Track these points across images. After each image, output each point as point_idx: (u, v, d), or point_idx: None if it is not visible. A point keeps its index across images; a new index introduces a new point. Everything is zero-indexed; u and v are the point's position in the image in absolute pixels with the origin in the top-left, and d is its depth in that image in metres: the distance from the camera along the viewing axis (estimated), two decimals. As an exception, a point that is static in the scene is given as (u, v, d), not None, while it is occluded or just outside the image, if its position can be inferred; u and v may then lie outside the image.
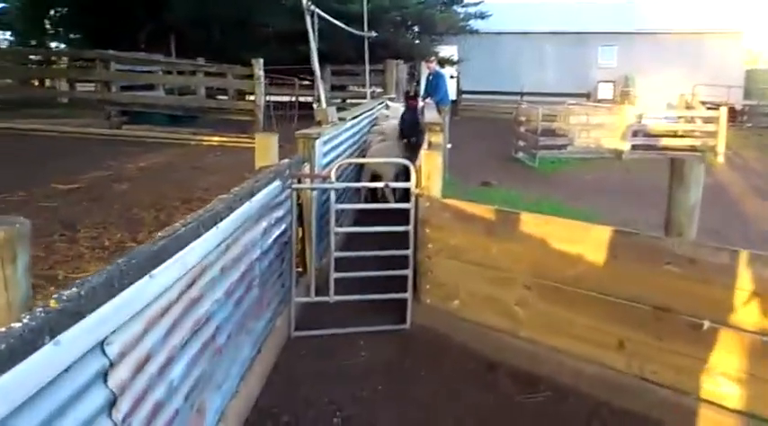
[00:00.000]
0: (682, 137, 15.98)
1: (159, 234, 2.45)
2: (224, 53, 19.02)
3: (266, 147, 4.66)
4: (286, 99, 17.71)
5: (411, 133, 8.28)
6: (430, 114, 9.53)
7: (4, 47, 27.56)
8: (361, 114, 8.48)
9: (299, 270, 4.95)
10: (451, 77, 24.55)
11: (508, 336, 4.18)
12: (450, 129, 13.13)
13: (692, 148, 15.02)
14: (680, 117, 17.53)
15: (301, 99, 17.42)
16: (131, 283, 2.04)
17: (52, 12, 25.17)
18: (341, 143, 6.72)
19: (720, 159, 15.07)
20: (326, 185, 4.85)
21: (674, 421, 3.48)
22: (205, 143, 12.72)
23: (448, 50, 27.09)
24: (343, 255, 4.87)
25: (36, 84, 20.77)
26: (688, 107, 18.57)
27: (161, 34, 21.91)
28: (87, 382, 1.78)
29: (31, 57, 21.05)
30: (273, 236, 4.15)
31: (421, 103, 10.37)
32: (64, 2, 24.42)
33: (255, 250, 3.70)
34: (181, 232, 2.52)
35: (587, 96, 25.61)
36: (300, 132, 5.37)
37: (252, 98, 14.61)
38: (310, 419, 3.47)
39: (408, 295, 4.68)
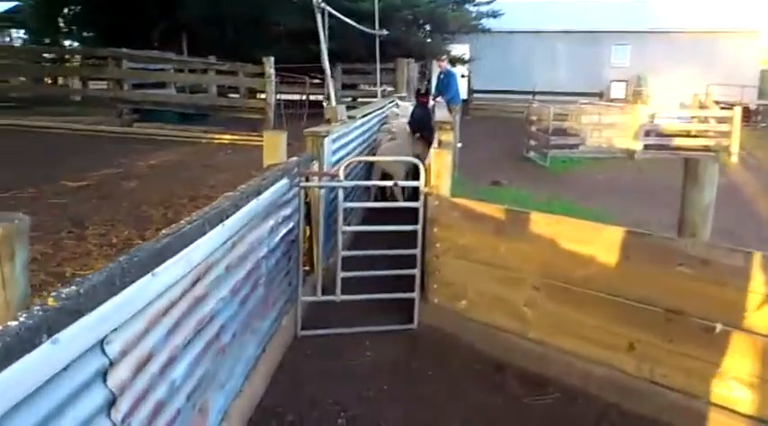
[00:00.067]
0: (695, 136, 15.84)
1: (163, 231, 2.43)
2: (236, 51, 19.03)
3: (274, 145, 4.63)
4: (297, 97, 17.70)
5: (420, 128, 8.26)
6: (440, 113, 9.48)
7: (18, 45, 27.71)
8: (370, 113, 8.44)
9: (306, 268, 4.92)
10: (463, 76, 24.47)
11: (516, 337, 4.14)
12: (461, 129, 13.08)
13: (706, 148, 14.88)
14: (693, 117, 17.38)
15: (312, 97, 17.42)
16: (133, 281, 2.02)
17: (66, 10, 25.23)
18: (350, 141, 6.69)
19: (734, 159, 14.93)
20: (335, 183, 4.82)
21: (684, 425, 3.43)
22: (216, 141, 12.73)
23: (459, 49, 26.98)
24: (350, 254, 4.84)
25: (49, 82, 20.86)
26: (701, 107, 18.41)
27: (173, 32, 21.95)
28: (86, 381, 1.76)
29: (45, 55, 21.13)
30: (280, 235, 4.12)
31: (431, 102, 10.32)
32: (77, 0, 24.50)
33: (262, 248, 3.68)
34: (185, 229, 2.50)
35: (600, 95, 25.46)
36: (309, 130, 5.34)
37: (263, 96, 14.61)
38: (315, 419, 3.44)
39: (416, 294, 4.64)
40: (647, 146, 15.19)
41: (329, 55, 7.67)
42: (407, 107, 10.05)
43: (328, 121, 6.28)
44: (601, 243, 3.73)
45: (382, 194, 7.90)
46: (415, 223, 4.64)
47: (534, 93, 24.13)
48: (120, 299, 1.92)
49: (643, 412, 3.55)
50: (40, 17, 25.45)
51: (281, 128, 10.91)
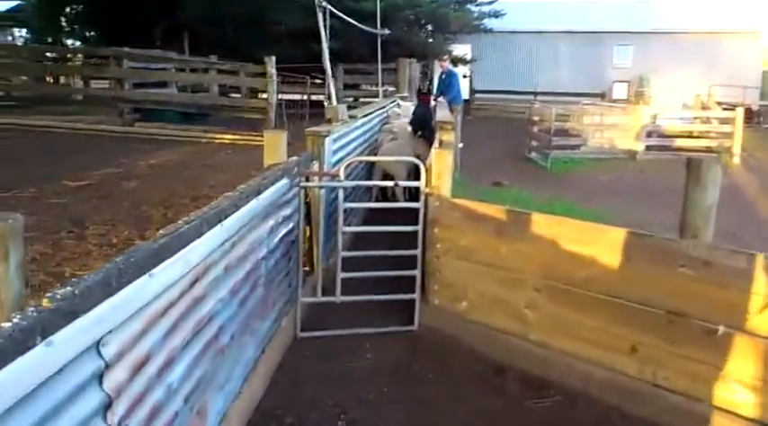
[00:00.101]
0: (697, 137, 15.79)
1: (161, 231, 2.41)
2: (237, 51, 19.02)
3: (275, 145, 4.61)
4: (298, 97, 17.68)
5: (422, 127, 8.25)
6: (442, 113, 9.45)
7: (20, 44, 27.72)
8: (372, 112, 8.42)
9: (306, 269, 4.90)
10: (464, 76, 24.43)
11: (517, 339, 4.11)
12: (463, 129, 13.03)
13: (708, 149, 14.83)
14: (695, 117, 17.34)
15: (313, 97, 17.40)
16: (130, 282, 1.99)
17: (68, 9, 25.25)
18: (351, 141, 6.67)
19: (736, 160, 14.88)
20: (335, 183, 4.80)
21: (686, 429, 3.41)
22: (216, 141, 12.73)
23: (461, 49, 26.92)
24: (350, 255, 4.82)
25: (51, 81, 20.86)
26: (704, 107, 18.37)
27: (175, 32, 21.94)
28: (81, 384, 1.73)
29: (47, 54, 21.12)
30: (280, 235, 4.10)
31: (433, 103, 10.30)
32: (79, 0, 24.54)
33: (261, 248, 3.66)
34: (183, 230, 2.48)
35: (602, 96, 25.39)
36: (310, 130, 5.32)
37: (264, 96, 14.60)
38: (314, 421, 3.42)
39: (416, 296, 4.62)
40: (648, 147, 15.15)
41: (331, 54, 7.66)
42: (409, 107, 10.03)
43: (329, 121, 6.26)
44: (602, 244, 3.70)
45: (383, 194, 7.88)
46: (416, 223, 4.62)
47: (536, 94, 24.08)
48: (117, 300, 1.89)
49: (645, 415, 3.53)
50: (42, 16, 25.47)
51: (282, 128, 10.92)
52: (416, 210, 4.65)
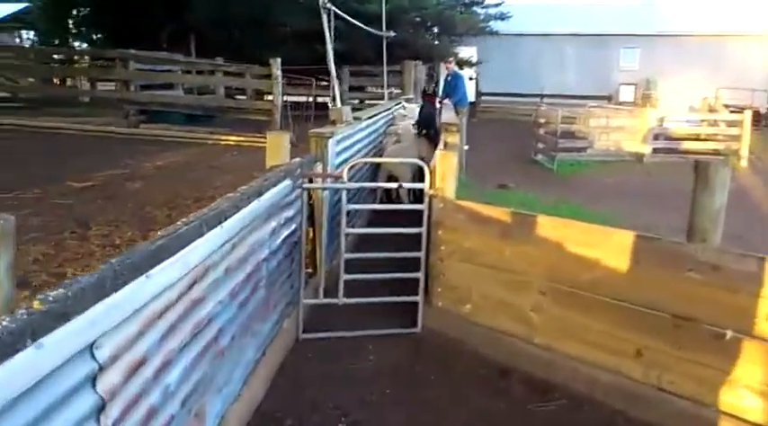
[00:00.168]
0: (704, 140, 15.71)
1: (159, 233, 2.38)
2: (243, 53, 19.03)
3: (277, 146, 4.58)
4: (303, 99, 17.67)
5: (427, 126, 8.25)
6: (447, 115, 9.42)
7: (27, 46, 27.82)
8: (376, 114, 8.39)
9: (309, 271, 4.86)
10: (470, 79, 24.39)
11: (522, 342, 4.07)
12: (468, 131, 12.98)
13: (715, 152, 14.74)
14: (702, 120, 17.25)
15: (319, 99, 17.38)
16: (126, 284, 1.96)
17: (74, 12, 25.34)
18: (355, 143, 6.63)
19: (743, 163, 14.79)
20: (338, 185, 4.76)
21: (692, 433, 3.36)
22: (222, 142, 12.73)
23: (467, 51, 26.89)
24: (353, 257, 4.78)
25: (58, 82, 20.92)
26: (711, 110, 18.27)
27: (181, 34, 21.99)
28: (73, 387, 1.70)
29: (54, 56, 21.20)
30: (282, 237, 4.07)
31: (438, 105, 10.28)
32: (86, 2, 24.59)
33: (263, 250, 3.62)
34: (182, 231, 2.44)
35: (608, 99, 25.32)
36: (314, 131, 5.30)
37: (270, 98, 14.59)
38: (315, 423, 3.38)
39: (420, 298, 4.57)
40: (655, 150, 15.07)
41: (336, 56, 7.64)
42: (414, 109, 10.00)
43: (333, 123, 6.23)
44: (609, 247, 3.66)
45: (388, 196, 7.84)
46: (421, 225, 4.58)
47: (542, 96, 24.03)
48: (112, 302, 1.86)
49: (650, 420, 3.48)
50: (48, 18, 25.56)
51: (287, 130, 10.89)
52: (421, 212, 4.61)
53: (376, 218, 6.61)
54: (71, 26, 26.08)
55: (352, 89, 18.58)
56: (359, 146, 6.93)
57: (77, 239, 5.79)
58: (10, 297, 1.69)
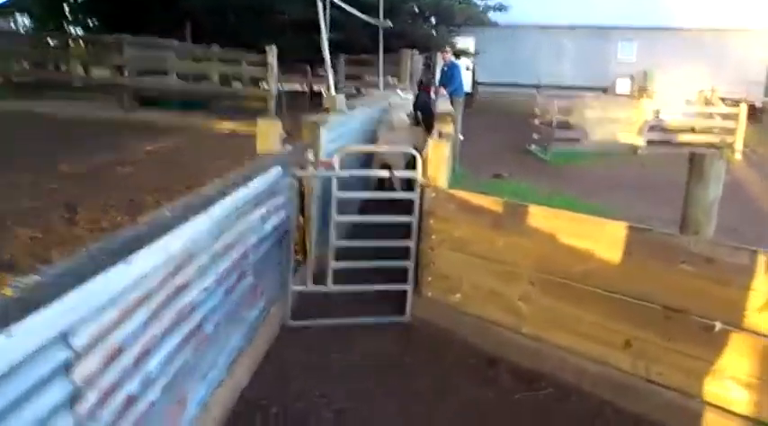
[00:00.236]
0: (699, 133, 15.68)
1: (141, 219, 2.34)
2: (240, 40, 18.86)
3: (268, 133, 4.53)
4: (299, 87, 17.58)
5: (422, 109, 8.47)
6: (442, 105, 9.38)
7: (22, 31, 27.58)
8: (371, 103, 8.33)
9: (299, 258, 4.82)
10: (467, 69, 24.30)
11: (511, 332, 4.05)
12: (464, 121, 12.93)
13: (710, 145, 14.72)
14: (698, 113, 17.21)
15: (315, 87, 17.28)
16: (104, 270, 1.92)
17: (69, -3, 25.15)
18: (348, 131, 6.57)
19: (738, 156, 14.78)
20: (328, 173, 4.71)
21: (679, 425, 3.34)
22: (215, 129, 12.64)
23: (465, 42, 26.75)
24: (343, 245, 4.74)
25: (52, 67, 20.75)
26: (707, 103, 18.23)
27: (177, 21, 21.79)
28: (46, 375, 1.66)
29: (48, 40, 21.01)
30: (272, 224, 4.03)
31: (433, 96, 10.23)
32: (81, -13, 24.42)
33: (251, 237, 3.58)
34: (165, 217, 2.41)
35: (605, 91, 25.27)
36: (306, 119, 5.25)
37: (265, 86, 14.50)
38: (300, 411, 3.35)
39: (409, 287, 4.54)
40: (650, 142, 15.05)
41: (333, 45, 7.58)
42: (409, 97, 9.96)
43: (327, 111, 6.18)
44: (601, 238, 3.63)
45: (381, 185, 7.78)
46: (413, 214, 4.54)
47: (539, 87, 23.96)
48: (88, 289, 1.82)
49: (638, 411, 3.47)
50: (43, 3, 25.32)
51: (282, 117, 10.81)
52: (413, 201, 4.57)
53: (368, 207, 6.56)
54: (67, 12, 25.85)
55: (348, 78, 18.47)
56: (352, 134, 6.88)
57: (66, 223, 5.75)
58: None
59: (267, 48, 13.46)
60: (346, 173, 4.76)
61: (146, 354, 2.24)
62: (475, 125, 15.84)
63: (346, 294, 4.55)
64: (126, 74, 15.03)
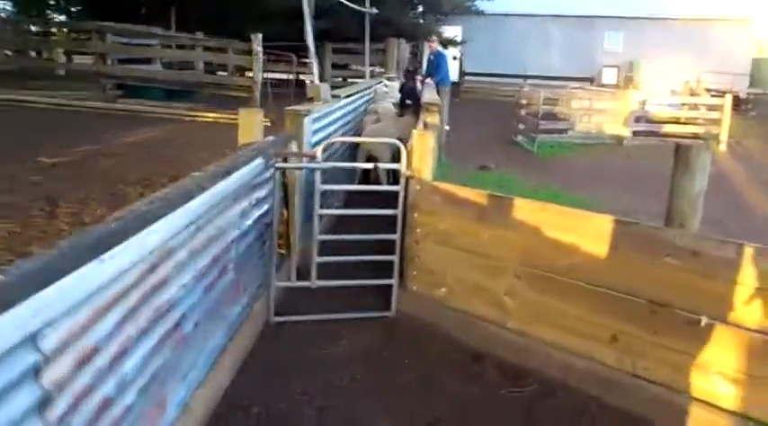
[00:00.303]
0: (685, 124, 15.73)
1: (115, 213, 2.27)
2: (226, 28, 18.68)
3: (250, 124, 4.45)
4: (285, 76, 17.44)
5: (409, 96, 8.49)
6: (428, 95, 9.32)
7: (4, 17, 27.17)
8: (356, 92, 8.25)
9: (283, 252, 4.76)
10: (454, 58, 24.22)
11: (496, 326, 4.01)
12: (451, 111, 12.90)
13: (695, 136, 14.77)
14: (683, 104, 17.26)
15: (301, 76, 17.15)
16: (75, 268, 1.85)
17: (52, -17, 24.80)
18: (333, 121, 6.50)
19: (722, 147, 14.84)
20: (311, 165, 4.64)
21: (666, 420, 3.34)
22: (200, 119, 12.51)
23: (452, 31, 26.70)
24: (327, 238, 4.68)
25: (34, 55, 20.44)
26: (692, 94, 18.29)
27: (162, 7, 21.52)
28: (12, 381, 1.59)
29: (30, 27, 20.69)
30: (254, 217, 3.96)
31: (419, 85, 10.15)
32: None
33: (232, 231, 3.51)
34: (141, 212, 2.34)
35: (591, 80, 25.29)
36: (289, 108, 5.17)
37: (250, 74, 14.35)
38: (282, 410, 3.29)
39: (394, 281, 4.49)
40: (636, 133, 15.08)
41: (320, 34, 7.49)
42: (395, 86, 9.89)
43: (311, 100, 6.10)
44: (586, 231, 3.59)
45: (366, 177, 7.72)
46: (397, 207, 4.49)
47: (526, 77, 23.93)
48: (58, 288, 1.75)
49: (624, 406, 3.45)
50: (26, -10, 24.98)
51: (266, 107, 10.71)
52: (397, 193, 4.51)
53: (353, 199, 6.51)
54: (49, -1, 25.52)
55: (334, 67, 18.37)
56: (337, 125, 6.81)
57: (46, 217, 5.64)
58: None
59: (252, 36, 13.29)
60: (330, 165, 4.70)
61: (122, 355, 2.18)
62: (461, 115, 15.82)
63: (331, 288, 4.49)
64: (109, 62, 14.81)
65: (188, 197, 2.74)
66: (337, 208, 6.01)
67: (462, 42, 26.87)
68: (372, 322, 4.37)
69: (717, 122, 15.31)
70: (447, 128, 11.69)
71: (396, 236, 4.47)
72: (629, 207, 8.18)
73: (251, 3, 20.43)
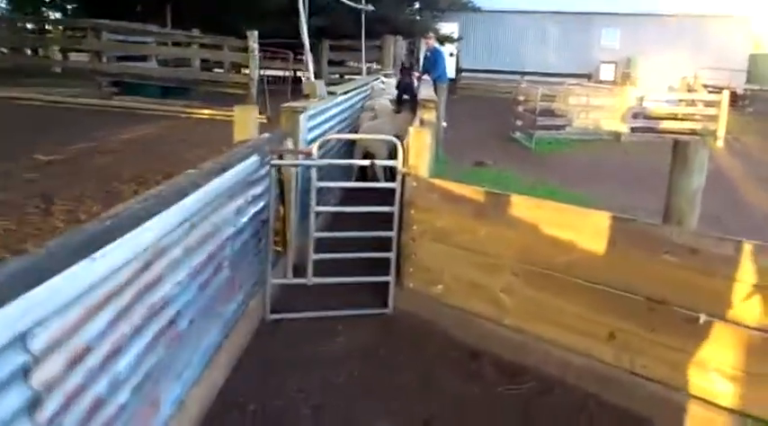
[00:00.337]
0: (682, 120, 15.72)
1: (109, 211, 2.24)
2: (222, 25, 18.62)
3: (245, 121, 4.41)
4: (281, 73, 17.39)
5: (406, 92, 8.39)
6: (425, 91, 9.29)
7: (-1, 14, 27.08)
8: (353, 89, 8.22)
9: (279, 249, 4.72)
10: (451, 55, 24.19)
11: (493, 324, 3.99)
12: (448, 108, 12.87)
13: (692, 132, 14.76)
14: (681, 100, 17.24)
15: (298, 73, 17.10)
16: (66, 267, 1.82)
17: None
18: (329, 118, 6.47)
19: (720, 144, 14.83)
20: (307, 162, 4.61)
21: (664, 418, 3.32)
22: (196, 116, 12.46)
23: (449, 27, 26.67)
24: (323, 236, 4.65)
25: (29, 52, 20.38)
26: (689, 90, 18.27)
27: (158, 5, 21.44)
28: (1, 381, 1.56)
29: (26, 25, 20.62)
30: (250, 214, 3.93)
31: (416, 82, 10.14)
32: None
33: (228, 228, 3.49)
34: (134, 209, 2.31)
35: (588, 77, 25.26)
36: (285, 105, 5.14)
37: (246, 71, 14.31)
38: (278, 408, 3.27)
39: (391, 278, 4.46)
40: (633, 129, 15.06)
41: (317, 30, 7.46)
42: (392, 83, 9.86)
43: (306, 97, 6.07)
44: (583, 228, 3.57)
45: (364, 174, 7.69)
46: (394, 204, 4.46)
47: (523, 74, 23.89)
48: (50, 287, 1.73)
49: (622, 404, 3.43)
50: (21, -13, 24.87)
51: (263, 104, 10.68)
52: (394, 190, 4.49)
53: (350, 196, 6.47)
54: (45, -4, 25.41)
55: (331, 63, 18.33)
56: (333, 121, 6.78)
57: (41, 214, 5.61)
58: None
59: (248, 32, 13.25)
60: (326, 162, 4.67)
61: (114, 354, 2.15)
62: (459, 112, 15.79)
63: (327, 286, 4.46)
64: (105, 59, 14.76)
65: (182, 194, 2.72)
66: (334, 205, 5.99)
67: (459, 39, 26.86)
68: (369, 319, 4.35)
69: (714, 118, 15.29)
70: (444, 124, 11.67)
71: (392, 233, 4.44)
72: (627, 203, 8.16)
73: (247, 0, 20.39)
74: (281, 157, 4.50)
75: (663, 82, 21.83)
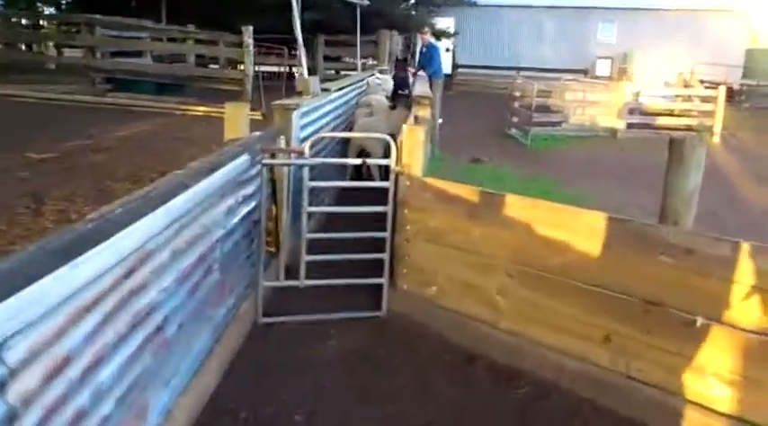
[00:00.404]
0: (678, 116, 15.68)
1: (90, 215, 2.18)
2: (218, 20, 18.51)
3: (236, 118, 4.35)
4: (276, 69, 17.31)
5: (401, 84, 8.41)
6: (420, 88, 9.23)
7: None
8: (347, 86, 8.15)
9: (272, 250, 4.66)
10: (447, 50, 24.11)
11: (488, 326, 3.94)
12: (443, 104, 12.80)
13: (689, 128, 14.73)
14: (677, 95, 17.21)
15: (293, 69, 17.02)
16: (44, 274, 1.76)
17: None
18: (323, 116, 6.40)
19: (716, 139, 14.80)
20: (299, 161, 4.54)
21: (660, 423, 3.28)
22: (190, 113, 12.41)
23: (445, 22, 26.59)
24: (316, 237, 4.60)
25: (23, 48, 20.25)
26: (686, 85, 18.23)
27: (152, 0, 21.32)
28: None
29: (22, 20, 20.51)
30: (241, 215, 3.87)
31: (411, 78, 10.07)
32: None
33: (217, 230, 3.42)
34: (118, 212, 2.25)
35: (585, 72, 25.20)
36: (277, 103, 5.07)
37: (241, 67, 14.23)
38: (270, 414, 3.21)
39: (384, 280, 4.40)
40: (629, 125, 15.02)
41: (312, 26, 7.40)
42: (387, 79, 9.80)
43: (300, 94, 6.01)
44: (578, 228, 3.52)
45: (358, 173, 7.62)
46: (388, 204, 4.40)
47: (519, 69, 23.83)
48: (26, 296, 1.66)
49: (617, 409, 3.38)
50: (13, -19, 24.70)
51: (258, 101, 10.61)
52: (388, 190, 4.43)
53: (344, 196, 6.42)
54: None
55: (326, 59, 18.24)
56: (327, 119, 6.71)
57: (31, 214, 5.55)
58: None
59: (243, 28, 13.15)
60: (318, 161, 4.61)
61: (97, 363, 2.09)
62: (454, 108, 15.74)
63: (320, 288, 4.40)
64: (99, 55, 14.65)
65: (168, 196, 2.65)
66: (329, 204, 5.93)
67: (455, 34, 26.78)
68: (362, 322, 4.29)
69: (710, 114, 15.26)
70: (440, 121, 11.61)
71: (386, 234, 4.39)
72: (623, 200, 8.12)
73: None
74: (273, 156, 4.43)
75: (659, 77, 21.80)
